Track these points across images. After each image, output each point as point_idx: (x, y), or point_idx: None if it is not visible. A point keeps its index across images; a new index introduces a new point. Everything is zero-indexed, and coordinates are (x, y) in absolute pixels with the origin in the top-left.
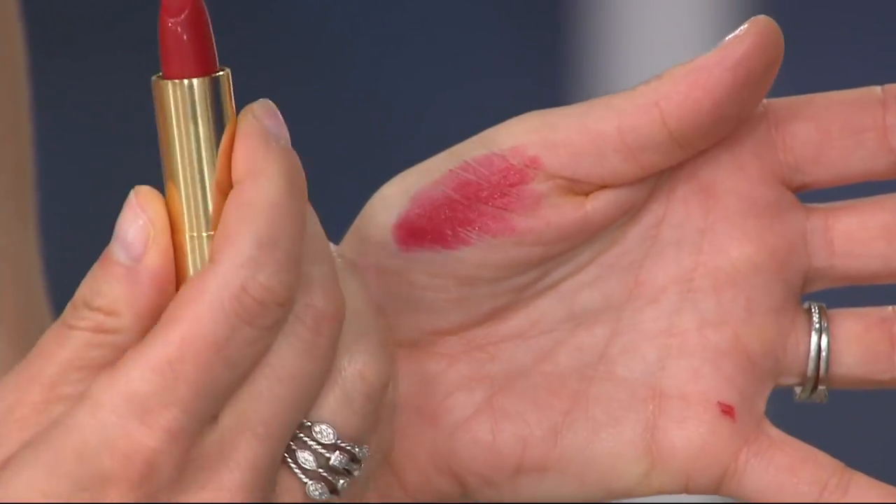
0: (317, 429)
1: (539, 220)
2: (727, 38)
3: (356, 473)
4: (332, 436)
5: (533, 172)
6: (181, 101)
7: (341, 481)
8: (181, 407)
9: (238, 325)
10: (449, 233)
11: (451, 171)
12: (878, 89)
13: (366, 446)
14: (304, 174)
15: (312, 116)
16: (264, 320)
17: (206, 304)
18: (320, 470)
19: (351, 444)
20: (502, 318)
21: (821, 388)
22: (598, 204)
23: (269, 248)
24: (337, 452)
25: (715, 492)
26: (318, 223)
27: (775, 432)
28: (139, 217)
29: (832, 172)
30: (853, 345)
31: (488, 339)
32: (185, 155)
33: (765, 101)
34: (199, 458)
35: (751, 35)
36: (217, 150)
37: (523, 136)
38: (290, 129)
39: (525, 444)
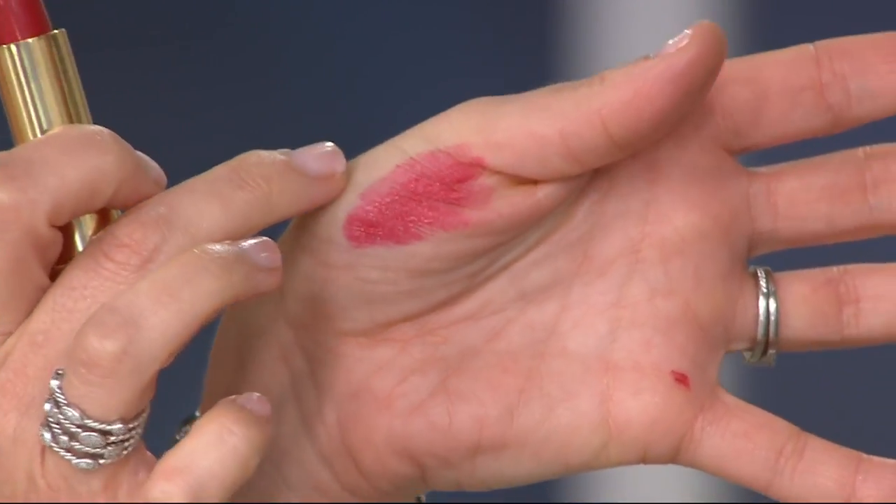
0: (54, 376)
1: (491, 211)
2: (670, 45)
3: (82, 437)
4: (54, 386)
5: (479, 170)
6: (20, 62)
7: (62, 437)
8: None
9: None
10: (400, 229)
11: (397, 166)
12: (809, 47)
13: (88, 419)
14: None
15: (293, 115)
16: None
17: None
18: (49, 418)
19: (71, 404)
20: (454, 304)
21: (770, 351)
22: (549, 190)
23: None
24: (49, 403)
25: (672, 461)
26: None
27: (730, 399)
28: None
29: (772, 133)
30: (801, 307)
31: (440, 322)
32: (31, 114)
33: None
34: None
35: (695, 44)
36: (62, 107)
37: (466, 135)
38: (271, 129)
39: (482, 424)
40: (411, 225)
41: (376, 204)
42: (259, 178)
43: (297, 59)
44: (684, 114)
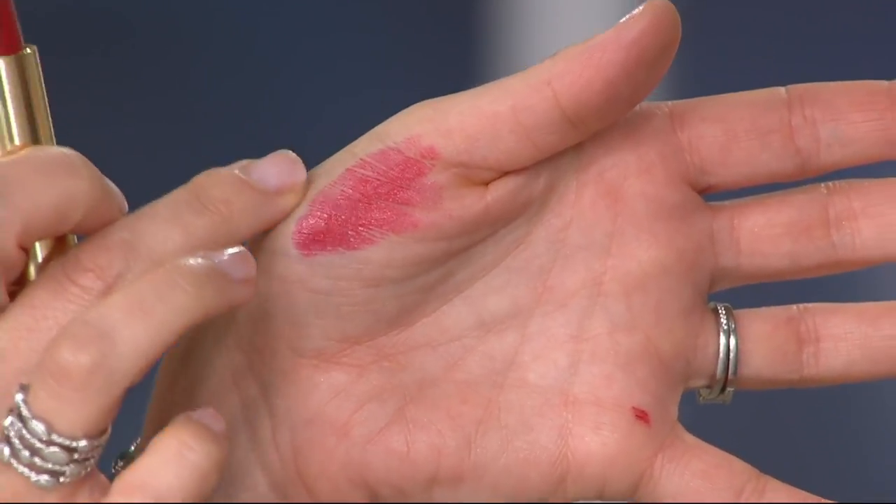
0: (18, 390)
1: (441, 213)
2: (623, 19)
3: (46, 453)
4: (19, 400)
5: (430, 163)
6: None
7: (23, 452)
8: None
9: None
10: (351, 233)
11: (348, 169)
12: (782, 90)
13: (55, 433)
14: None
15: (209, 118)
16: None
17: None
18: (9, 433)
19: (36, 418)
20: (410, 322)
21: (728, 389)
22: (498, 193)
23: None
24: (11, 417)
25: (630, 497)
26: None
27: (689, 437)
28: None
29: (738, 174)
30: (761, 345)
31: (397, 348)
32: None
33: (670, 102)
34: None
35: (646, 16)
36: (27, 127)
37: (416, 126)
38: (187, 133)
39: (440, 454)
40: (361, 229)
41: (325, 210)
42: (218, 201)
43: (236, 85)
44: (638, 92)
